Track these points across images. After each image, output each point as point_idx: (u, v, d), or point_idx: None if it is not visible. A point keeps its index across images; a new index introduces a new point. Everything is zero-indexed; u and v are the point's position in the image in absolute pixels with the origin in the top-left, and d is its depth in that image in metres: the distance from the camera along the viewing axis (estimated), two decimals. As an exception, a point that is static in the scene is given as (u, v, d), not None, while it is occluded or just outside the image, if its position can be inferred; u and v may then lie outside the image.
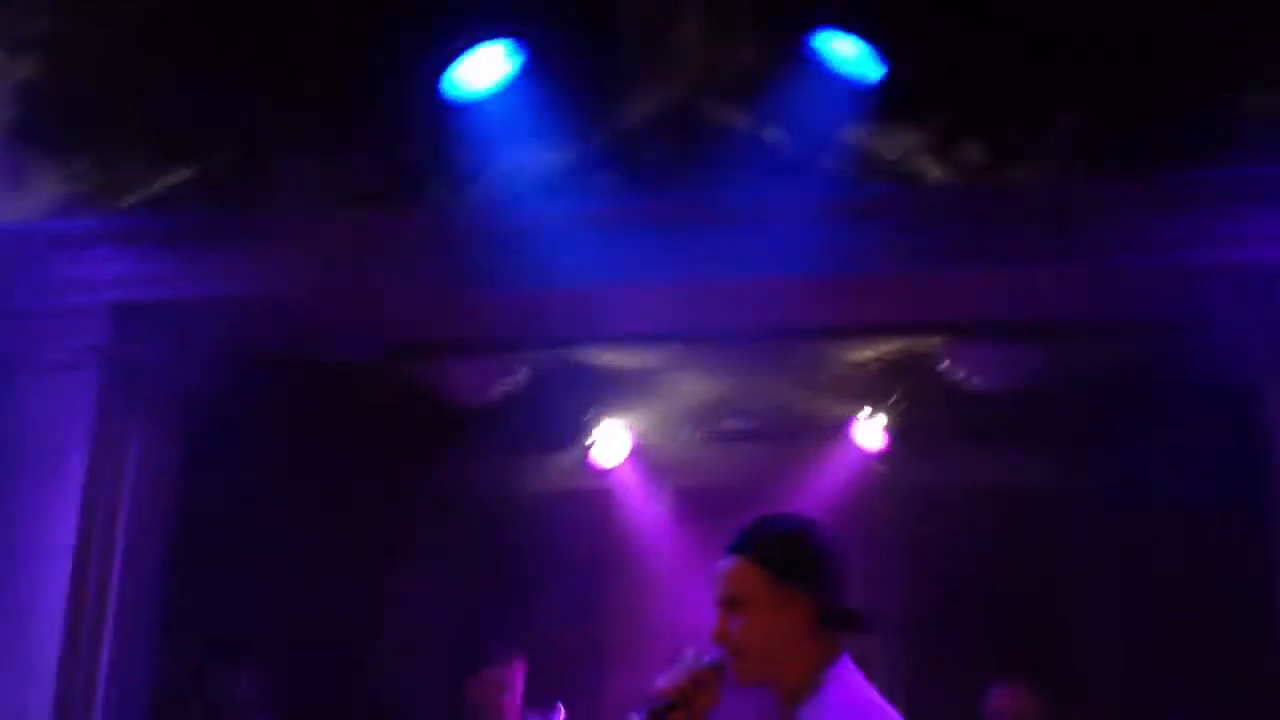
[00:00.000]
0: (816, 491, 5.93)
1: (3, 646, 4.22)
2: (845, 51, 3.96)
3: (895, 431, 5.87)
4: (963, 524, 5.96)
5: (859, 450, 5.94)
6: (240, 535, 4.92)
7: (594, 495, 6.09)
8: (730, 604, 2.42)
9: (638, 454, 6.05)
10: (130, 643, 4.38)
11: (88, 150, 4.21)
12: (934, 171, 4.18)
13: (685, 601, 5.95)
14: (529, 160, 4.15)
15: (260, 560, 5.06)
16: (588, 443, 6.01)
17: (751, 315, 4.72)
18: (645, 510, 6.09)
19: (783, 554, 2.47)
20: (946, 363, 5.24)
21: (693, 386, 5.59)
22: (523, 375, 5.17)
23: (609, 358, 5.27)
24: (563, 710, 4.78)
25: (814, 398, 5.75)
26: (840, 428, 5.93)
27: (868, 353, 5.33)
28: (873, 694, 2.43)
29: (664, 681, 2.40)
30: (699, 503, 6.09)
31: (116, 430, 4.42)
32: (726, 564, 2.46)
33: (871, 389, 5.66)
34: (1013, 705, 4.61)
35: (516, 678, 4.65)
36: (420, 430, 5.64)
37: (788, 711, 2.41)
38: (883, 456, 5.94)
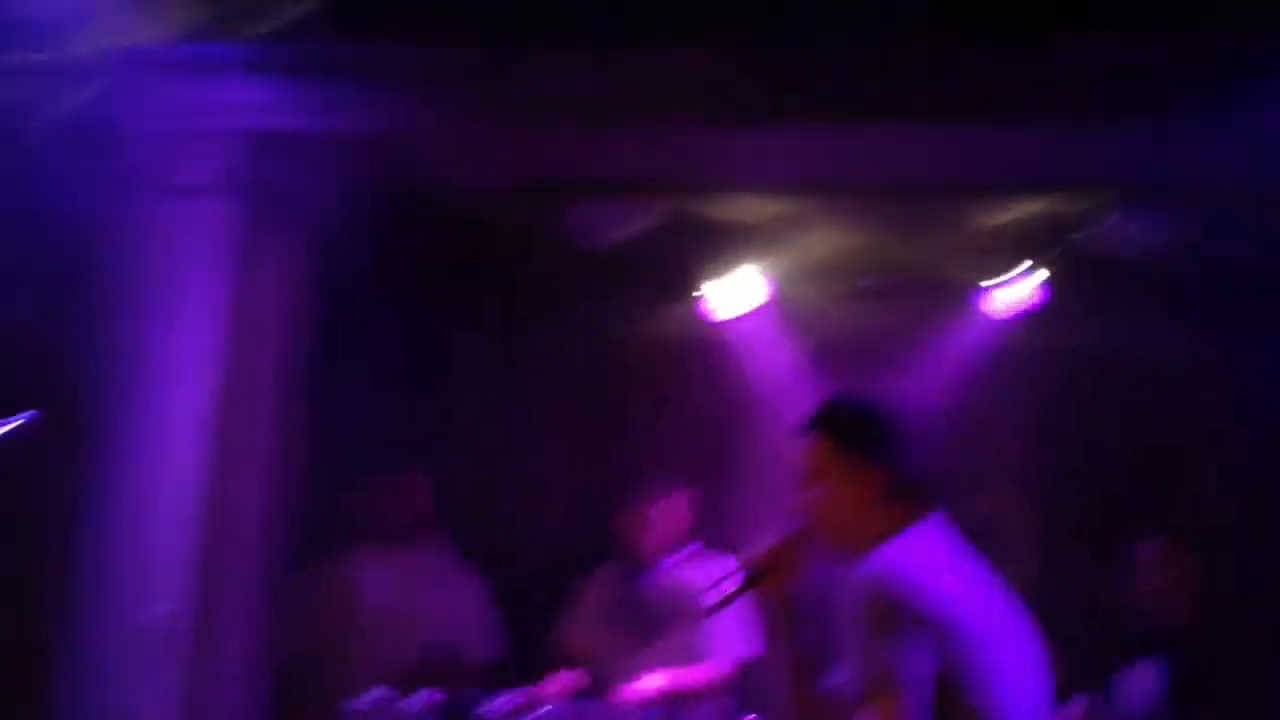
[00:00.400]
0: (951, 352, 5.80)
1: (152, 461, 4.38)
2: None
3: (1036, 296, 5.64)
4: (1103, 392, 5.78)
5: (998, 313, 5.74)
6: (370, 363, 5.03)
7: (722, 344, 6.05)
8: (809, 477, 2.58)
9: (769, 305, 5.94)
10: (269, 452, 4.55)
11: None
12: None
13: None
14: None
15: (390, 387, 5.16)
16: (717, 290, 5.93)
17: (892, 165, 4.60)
18: (776, 361, 6.03)
19: (852, 428, 2.61)
20: (1094, 226, 5.01)
21: (828, 240, 5.45)
22: (652, 219, 5.10)
23: (741, 204, 5.16)
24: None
25: (953, 258, 5.56)
26: (978, 289, 5.73)
27: (1009, 213, 5.12)
28: (950, 547, 2.51)
29: (752, 550, 2.60)
30: (831, 357, 6.00)
31: (250, 250, 4.53)
32: (804, 439, 2.61)
33: (1014, 251, 5.45)
34: (1159, 559, 4.63)
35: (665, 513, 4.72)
36: (547, 271, 5.64)
37: None
38: (1022, 320, 5.72)
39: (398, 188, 4.69)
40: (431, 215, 5.01)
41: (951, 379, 5.77)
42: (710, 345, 6.03)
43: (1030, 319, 5.71)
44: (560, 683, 4.59)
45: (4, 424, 3.08)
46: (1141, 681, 4.50)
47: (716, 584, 2.61)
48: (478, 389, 6.01)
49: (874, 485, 2.54)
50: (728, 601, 2.60)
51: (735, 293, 5.87)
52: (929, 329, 5.86)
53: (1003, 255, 5.53)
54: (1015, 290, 5.67)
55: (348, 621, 4.73)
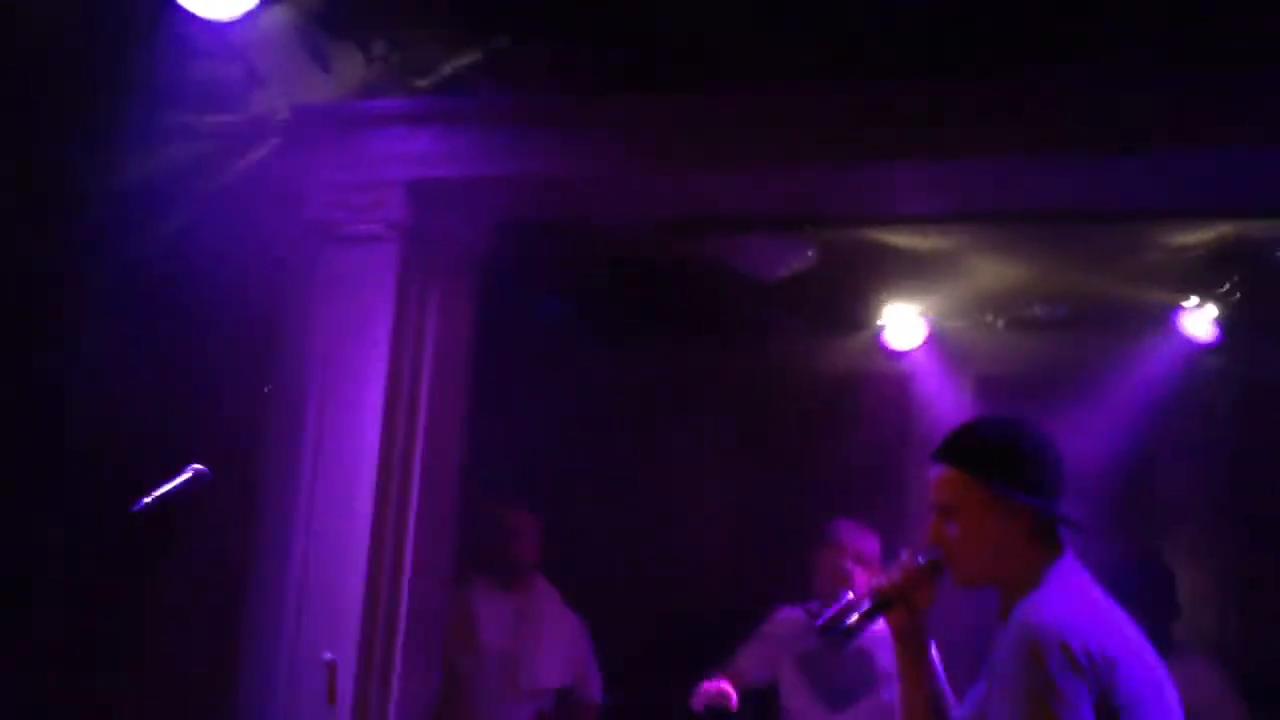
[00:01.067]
0: (1135, 382, 5.53)
1: (322, 500, 4.50)
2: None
3: (1226, 322, 5.34)
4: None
5: (1184, 341, 5.45)
6: (526, 395, 5.09)
7: (889, 379, 5.92)
8: (943, 510, 2.47)
9: (935, 339, 5.80)
10: (436, 492, 4.60)
11: (383, 34, 4.38)
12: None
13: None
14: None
15: (544, 419, 5.21)
16: (881, 325, 5.82)
17: (1060, 198, 4.42)
18: (943, 396, 5.87)
19: (992, 461, 2.46)
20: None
21: (993, 269, 5.28)
22: (813, 254, 5.03)
23: (903, 237, 5.05)
24: None
25: (1130, 284, 5.30)
26: (1161, 316, 5.46)
27: (1194, 236, 4.86)
28: (1095, 591, 2.43)
29: (884, 578, 2.53)
30: (1000, 390, 5.81)
31: (416, 295, 4.61)
32: (936, 471, 2.49)
33: (1198, 276, 5.16)
34: None
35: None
36: (708, 306, 5.63)
37: (1007, 608, 2.41)
38: (1212, 349, 5.42)
39: (551, 226, 4.74)
40: (586, 251, 5.05)
41: (1129, 413, 5.50)
42: (881, 379, 5.92)
43: (1221, 347, 5.41)
44: None
45: (174, 481, 3.20)
46: None
47: (842, 612, 2.53)
48: (650, 424, 6.02)
49: (1019, 521, 2.42)
50: (852, 630, 2.52)
51: (905, 325, 5.76)
52: (1106, 360, 5.60)
53: (1186, 281, 5.25)
54: (1199, 320, 5.38)
55: (469, 656, 4.82)
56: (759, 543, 4.99)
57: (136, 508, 3.03)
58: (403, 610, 4.47)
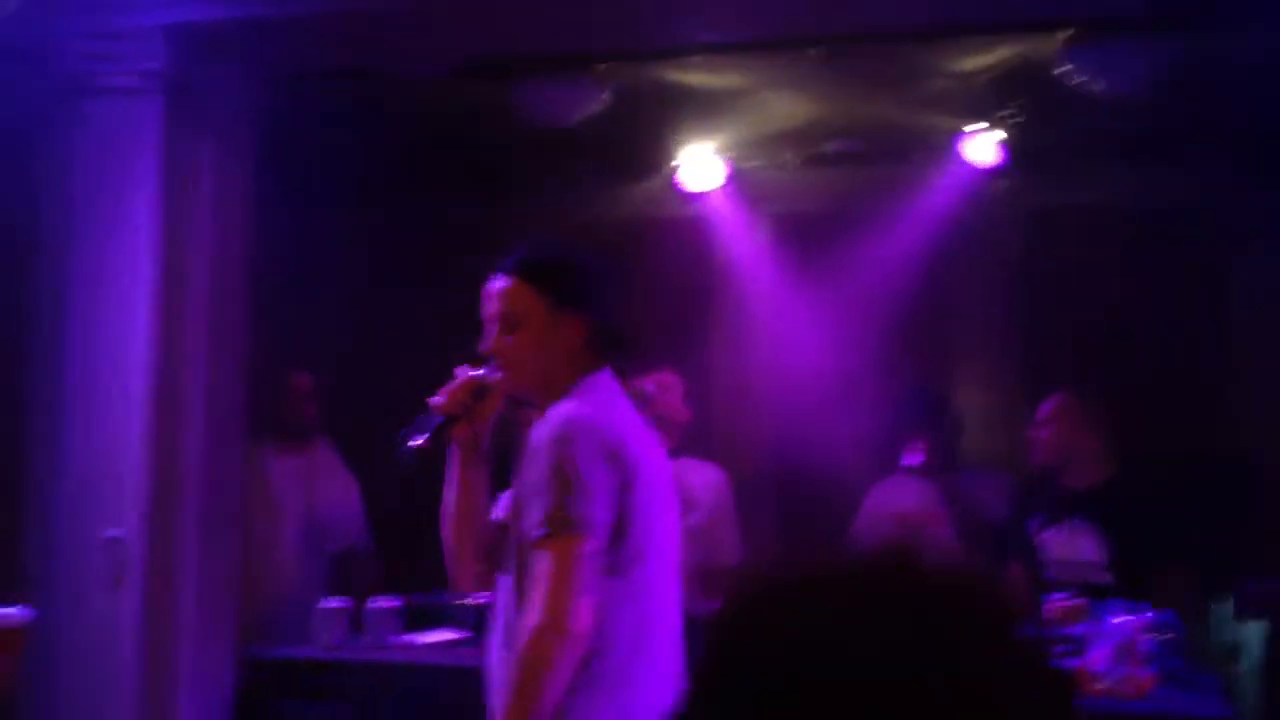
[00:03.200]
0: (924, 212, 5.59)
1: (96, 376, 4.26)
2: None
3: (1010, 147, 5.42)
4: (1084, 246, 5.55)
5: (970, 168, 5.48)
6: (309, 256, 4.88)
7: (685, 223, 5.85)
8: (504, 322, 2.57)
9: (731, 180, 5.74)
10: (221, 358, 4.41)
11: None
12: None
13: (783, 330, 5.78)
14: None
15: (328, 280, 5.02)
16: (676, 168, 5.73)
17: (848, 18, 4.38)
18: (740, 238, 5.84)
19: (556, 277, 2.61)
20: (1068, 67, 4.78)
21: (787, 106, 5.22)
22: (604, 96, 4.87)
23: (696, 75, 4.94)
24: None
25: (920, 113, 5.33)
26: (948, 145, 5.49)
27: (979, 59, 4.89)
28: (623, 400, 2.62)
29: (440, 398, 2.59)
30: (798, 229, 5.82)
31: (186, 154, 4.32)
32: (501, 283, 2.60)
33: (983, 101, 5.20)
34: (1065, 413, 4.41)
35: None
36: (499, 154, 5.43)
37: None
38: (997, 174, 5.51)
39: (337, 73, 4.47)
40: (373, 99, 4.79)
41: (922, 242, 5.59)
42: (678, 223, 5.84)
43: (1006, 172, 5.51)
44: None
45: None
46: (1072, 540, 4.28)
47: (412, 433, 2.56)
48: (438, 280, 5.80)
49: (576, 336, 2.57)
50: (424, 449, 2.55)
51: (701, 166, 5.68)
52: (899, 191, 5.64)
53: (971, 107, 5.30)
54: (983, 145, 5.45)
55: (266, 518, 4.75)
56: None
57: None
58: (190, 482, 4.28)
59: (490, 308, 2.60)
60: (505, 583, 2.56)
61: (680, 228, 5.84)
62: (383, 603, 4.44)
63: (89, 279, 4.30)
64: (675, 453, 4.52)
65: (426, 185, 5.54)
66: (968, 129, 5.44)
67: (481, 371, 2.60)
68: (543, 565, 2.39)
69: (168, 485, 4.23)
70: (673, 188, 5.77)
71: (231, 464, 4.45)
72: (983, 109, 5.31)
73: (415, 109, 4.98)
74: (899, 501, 4.85)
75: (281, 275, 4.63)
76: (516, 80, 4.74)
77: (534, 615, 2.36)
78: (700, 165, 5.68)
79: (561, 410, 2.50)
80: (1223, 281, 5.60)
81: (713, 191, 5.75)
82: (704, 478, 4.61)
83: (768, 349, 5.79)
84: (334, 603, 4.43)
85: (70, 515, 4.22)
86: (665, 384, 4.47)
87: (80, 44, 4.25)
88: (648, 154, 5.68)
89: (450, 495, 2.63)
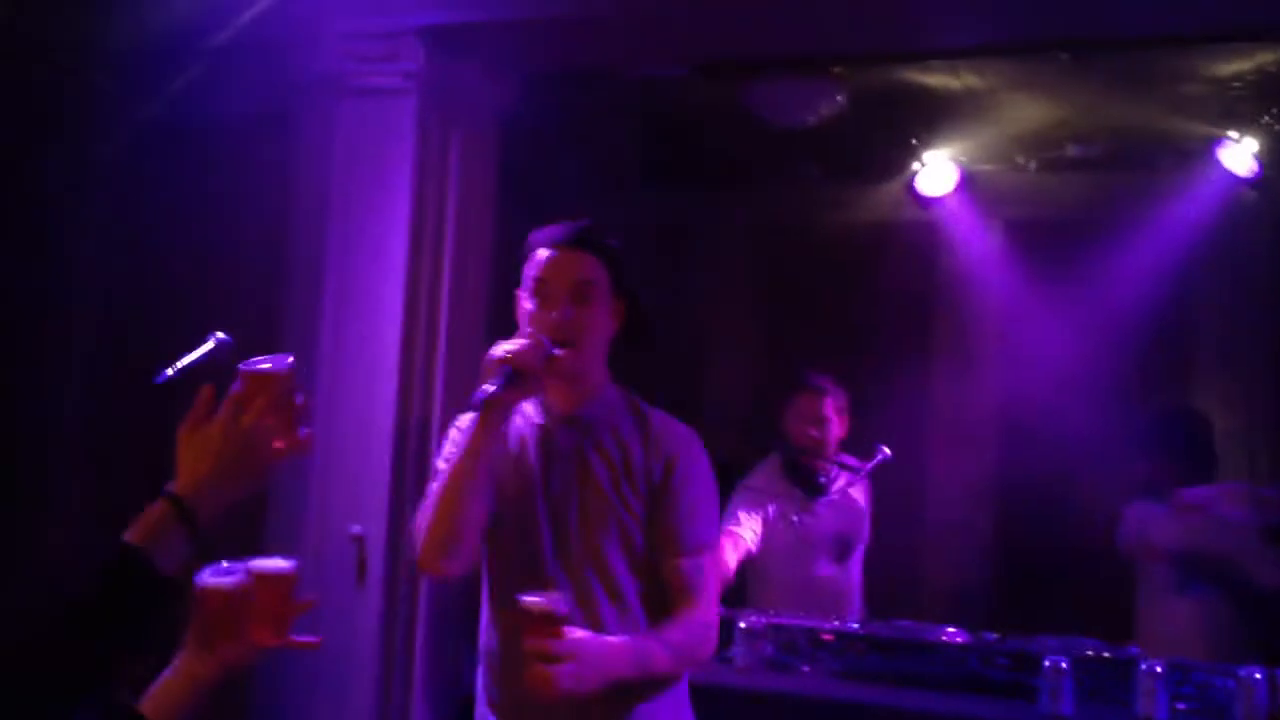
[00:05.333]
0: (1171, 222, 5.37)
1: (346, 367, 4.38)
2: None
3: (1269, 157, 5.18)
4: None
5: (1223, 177, 5.27)
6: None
7: (920, 227, 5.77)
8: (576, 292, 2.49)
9: (965, 184, 5.64)
10: (462, 354, 4.44)
11: None
12: None
13: (1016, 335, 5.64)
14: None
15: None
16: (912, 171, 5.66)
17: (1099, 21, 4.25)
18: (975, 243, 5.72)
19: (618, 257, 2.59)
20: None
21: (1027, 110, 5.11)
22: (842, 98, 4.86)
23: (934, 77, 4.88)
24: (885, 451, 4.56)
25: (1169, 119, 5.13)
26: (1199, 152, 5.28)
27: (1238, 65, 4.69)
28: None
29: (515, 349, 2.40)
30: (1035, 236, 5.68)
31: (436, 151, 4.44)
32: (574, 255, 2.52)
33: (1241, 108, 5.00)
34: None
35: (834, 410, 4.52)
36: (735, 153, 5.46)
37: (568, 401, 2.55)
38: (1254, 183, 5.26)
39: (579, 73, 4.56)
40: (613, 97, 4.88)
41: (1165, 255, 5.37)
42: (911, 227, 5.77)
43: (1263, 181, 5.25)
44: None
45: (198, 351, 3.06)
46: None
47: (482, 388, 2.39)
48: (682, 275, 5.86)
49: (617, 322, 2.56)
50: (494, 401, 2.38)
51: (937, 171, 5.60)
52: (1144, 199, 5.44)
53: (1226, 114, 5.08)
54: (1239, 154, 5.21)
55: None
56: (783, 392, 4.83)
57: (159, 379, 2.90)
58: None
59: (558, 278, 2.51)
60: (590, 575, 2.49)
61: (913, 232, 5.77)
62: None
63: (341, 279, 4.40)
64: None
65: (670, 183, 5.61)
66: (1222, 136, 5.21)
67: (543, 340, 2.44)
68: (709, 568, 2.50)
69: (409, 485, 4.29)
70: (907, 191, 5.70)
71: None
72: (1238, 116, 5.09)
73: (655, 108, 5.03)
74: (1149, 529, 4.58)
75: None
76: (754, 80, 4.76)
77: (706, 612, 2.47)
78: (935, 169, 5.60)
79: (662, 415, 2.58)
80: None
81: (946, 196, 5.66)
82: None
83: (998, 358, 5.67)
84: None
85: (317, 511, 4.32)
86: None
87: (339, 43, 4.43)
88: (885, 156, 5.62)
89: (470, 465, 2.42)
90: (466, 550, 2.46)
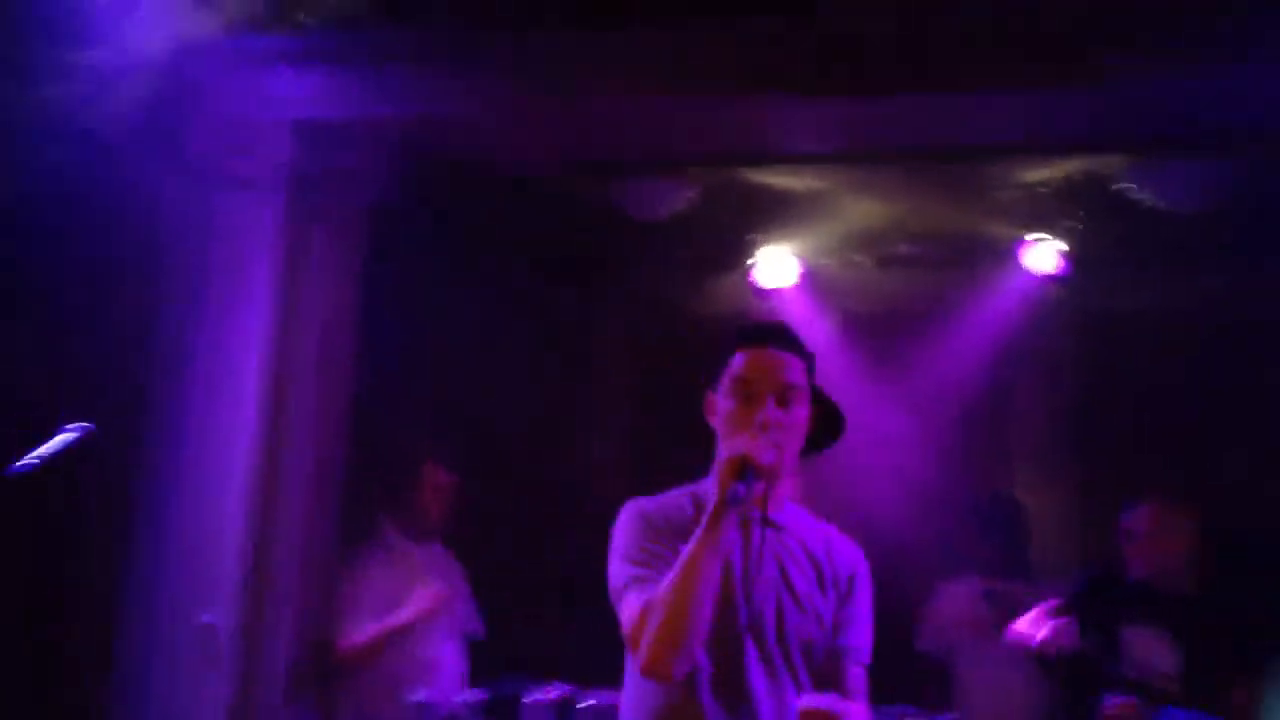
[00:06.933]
0: (988, 315, 5.83)
1: (200, 462, 4.40)
2: None
3: (1071, 255, 5.67)
4: (1143, 352, 5.76)
5: (1032, 275, 5.75)
6: (420, 341, 5.02)
7: (760, 318, 6.07)
8: (785, 394, 2.44)
9: (805, 278, 6.00)
10: (324, 445, 4.51)
11: (269, -34, 4.28)
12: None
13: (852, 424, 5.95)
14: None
15: (440, 366, 5.14)
16: (752, 264, 5.98)
17: (924, 133, 4.64)
18: (812, 334, 6.03)
19: (812, 359, 2.56)
20: (1130, 182, 5.04)
21: (862, 210, 5.50)
22: (693, 194, 5.16)
23: (777, 178, 5.22)
24: None
25: (987, 221, 5.60)
26: (1012, 252, 5.74)
27: (1045, 172, 5.16)
28: None
29: (761, 451, 2.31)
30: (868, 328, 6.05)
31: (302, 244, 4.53)
32: (779, 356, 2.48)
33: (1046, 211, 5.47)
34: (1148, 525, 4.34)
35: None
36: (591, 246, 5.69)
37: (765, 499, 2.40)
38: (1058, 281, 5.75)
39: (447, 168, 4.72)
40: (480, 195, 5.04)
41: (985, 345, 5.80)
42: (756, 318, 6.06)
43: (1066, 280, 5.73)
44: None
45: (59, 438, 3.01)
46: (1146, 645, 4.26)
47: (738, 485, 2.28)
48: (532, 364, 5.97)
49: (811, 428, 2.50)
50: (738, 501, 2.29)
51: (777, 265, 5.92)
52: (965, 294, 5.89)
53: (1035, 217, 5.56)
54: (1045, 253, 5.69)
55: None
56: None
57: (15, 469, 2.84)
58: (285, 571, 4.37)
59: (764, 379, 2.45)
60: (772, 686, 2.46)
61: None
62: (540, 694, 4.20)
63: (205, 365, 4.44)
64: None
65: (536, 272, 5.76)
66: (1030, 237, 5.69)
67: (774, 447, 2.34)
68: (863, 687, 2.55)
69: (262, 572, 4.33)
70: (749, 284, 6.01)
71: (328, 552, 4.47)
72: (1045, 219, 5.57)
73: (523, 205, 5.21)
74: (964, 607, 4.94)
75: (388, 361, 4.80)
76: (613, 178, 5.00)
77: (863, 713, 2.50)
78: (776, 262, 5.93)
79: (837, 534, 2.59)
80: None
81: (787, 289, 5.99)
82: None
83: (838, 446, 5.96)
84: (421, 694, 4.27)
85: (169, 598, 4.30)
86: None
87: (212, 131, 4.49)
88: (727, 250, 5.93)
89: (709, 567, 2.30)
90: (696, 653, 2.36)
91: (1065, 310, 5.88)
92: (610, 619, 2.47)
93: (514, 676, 4.34)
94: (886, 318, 6.02)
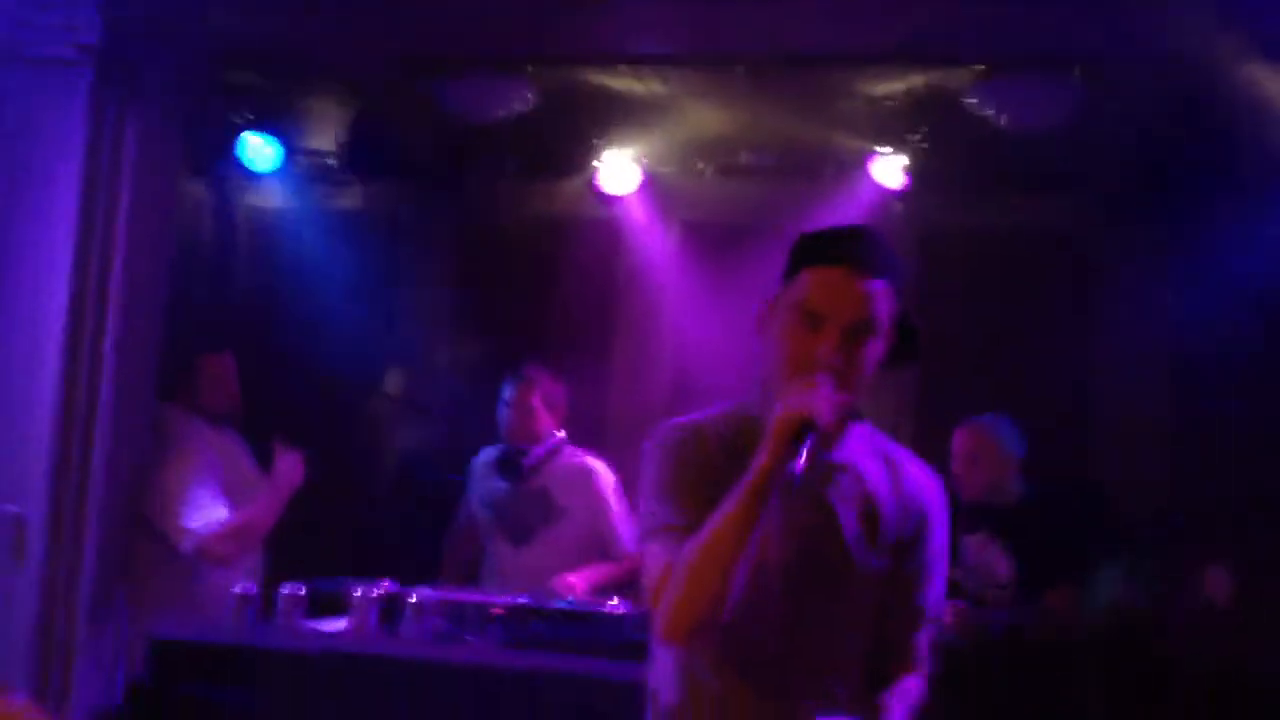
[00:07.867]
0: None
1: (7, 348, 4.22)
2: None
3: (916, 171, 5.64)
4: (982, 269, 5.80)
5: (877, 188, 5.70)
6: (238, 236, 4.87)
7: (601, 224, 5.98)
8: (865, 331, 2.05)
9: (646, 185, 5.89)
10: (134, 335, 4.37)
11: None
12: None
13: (689, 333, 5.93)
14: None
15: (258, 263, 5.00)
16: (595, 169, 5.86)
17: (770, 38, 4.55)
18: (652, 242, 5.99)
19: (905, 282, 2.13)
20: (975, 99, 5.01)
21: (705, 117, 5.40)
22: (531, 95, 4.99)
23: (620, 81, 5.08)
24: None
25: (832, 133, 5.54)
26: (856, 164, 5.70)
27: (892, 85, 5.11)
28: None
29: (819, 408, 1.98)
30: (709, 237, 5.99)
31: (111, 128, 4.30)
32: (863, 285, 2.05)
33: (893, 125, 5.43)
34: (964, 447, 4.56)
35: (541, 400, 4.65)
36: (424, 149, 5.50)
37: (817, 450, 2.02)
38: (902, 196, 5.73)
39: (267, 56, 4.49)
40: (303, 85, 4.83)
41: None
42: (592, 225, 5.97)
43: (910, 195, 5.72)
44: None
45: None
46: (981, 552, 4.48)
47: (799, 450, 1.95)
48: (358, 269, 5.82)
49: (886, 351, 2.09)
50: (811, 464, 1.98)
51: (619, 170, 5.81)
52: (807, 207, 5.83)
53: (879, 132, 5.51)
54: (890, 167, 5.66)
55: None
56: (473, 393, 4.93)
57: None
58: (96, 459, 4.23)
59: (840, 312, 2.04)
60: (826, 633, 2.16)
61: (596, 229, 5.97)
62: (291, 588, 4.15)
63: (5, 254, 4.25)
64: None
65: (365, 173, 5.58)
66: (874, 151, 5.65)
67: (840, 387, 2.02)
68: (927, 652, 2.22)
69: (71, 461, 4.20)
70: (589, 189, 5.89)
71: (138, 440, 4.37)
72: (890, 133, 5.53)
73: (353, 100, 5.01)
74: None
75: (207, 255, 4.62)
76: (446, 77, 4.81)
77: (923, 682, 2.20)
78: (618, 168, 5.81)
79: (920, 463, 2.25)
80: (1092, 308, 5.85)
81: (628, 196, 5.88)
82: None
83: (671, 352, 5.94)
84: (240, 587, 4.20)
85: None
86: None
87: (13, 8, 4.20)
88: (568, 154, 5.79)
89: (743, 536, 1.98)
90: (720, 622, 2.03)
91: (907, 226, 5.87)
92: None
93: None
94: (728, 228, 5.96)
